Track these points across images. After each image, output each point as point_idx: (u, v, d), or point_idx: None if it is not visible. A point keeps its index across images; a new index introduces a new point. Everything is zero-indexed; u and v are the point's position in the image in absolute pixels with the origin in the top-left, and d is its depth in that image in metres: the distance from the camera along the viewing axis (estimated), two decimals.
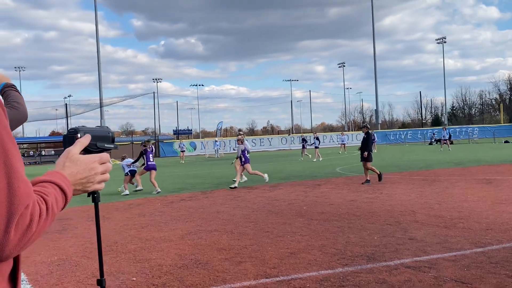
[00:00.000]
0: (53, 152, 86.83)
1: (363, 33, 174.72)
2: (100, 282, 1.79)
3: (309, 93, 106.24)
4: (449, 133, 47.33)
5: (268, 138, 69.25)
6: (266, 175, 17.74)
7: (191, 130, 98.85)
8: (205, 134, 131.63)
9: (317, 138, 35.28)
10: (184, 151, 45.69)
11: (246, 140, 18.70)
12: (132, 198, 15.12)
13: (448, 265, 5.89)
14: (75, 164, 1.44)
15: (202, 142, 65.97)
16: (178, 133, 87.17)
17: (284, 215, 10.28)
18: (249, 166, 17.42)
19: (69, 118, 78.75)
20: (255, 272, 6.00)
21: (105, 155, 1.45)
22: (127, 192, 16.44)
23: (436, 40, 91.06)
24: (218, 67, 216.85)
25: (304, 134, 65.54)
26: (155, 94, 78.73)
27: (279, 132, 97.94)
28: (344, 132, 56.22)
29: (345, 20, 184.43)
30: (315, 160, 32.87)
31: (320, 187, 15.70)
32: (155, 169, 16.83)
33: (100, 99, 68.16)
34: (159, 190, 16.35)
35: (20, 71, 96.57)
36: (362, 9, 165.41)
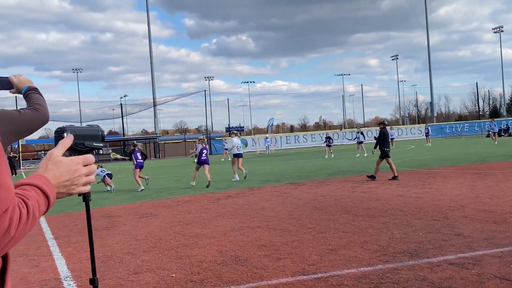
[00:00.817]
0: (110, 151, 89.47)
1: (417, 25, 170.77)
2: (93, 281, 1.79)
3: (361, 87, 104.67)
4: (506, 124, 45.55)
5: (319, 134, 68.75)
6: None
7: (243, 127, 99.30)
8: (257, 131, 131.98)
9: (361, 133, 34.63)
10: (227, 149, 45.53)
11: (238, 137, 20.73)
12: (180, 195, 15.33)
13: (493, 262, 5.65)
14: (58, 167, 1.40)
15: (253, 138, 66.23)
16: (230, 130, 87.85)
17: (329, 211, 10.16)
18: (207, 167, 18.21)
19: (124, 117, 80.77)
20: (293, 269, 5.95)
21: (89, 156, 1.43)
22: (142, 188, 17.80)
23: (493, 29, 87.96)
24: (269, 64, 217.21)
25: (329, 131, 64.54)
26: (206, 92, 79.54)
27: (331, 127, 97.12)
28: (393, 127, 55.00)
29: (399, 12, 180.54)
30: (358, 155, 32.39)
31: (369, 182, 15.45)
32: (142, 167, 18.38)
33: (154, 98, 69.55)
34: (143, 188, 17.73)
35: (77, 72, 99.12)
36: (415, 0, 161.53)
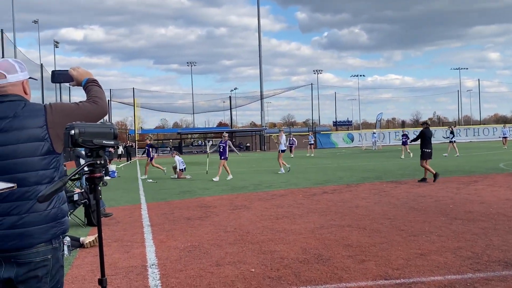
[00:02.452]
0: (210, 142, 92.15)
1: None
2: (101, 282, 1.77)
3: (478, 82, 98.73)
4: None
5: (432, 130, 65.98)
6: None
7: (351, 121, 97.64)
8: (366, 126, 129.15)
9: (451, 132, 32.61)
10: (312, 144, 44.70)
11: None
12: (277, 188, 15.37)
13: None
14: None
15: (360, 133, 64.96)
16: (336, 124, 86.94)
17: (426, 213, 9.66)
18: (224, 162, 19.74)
19: (233, 109, 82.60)
20: (376, 272, 5.70)
21: None
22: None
23: None
24: (382, 57, 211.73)
25: (406, 129, 60.91)
26: (314, 86, 79.14)
27: (444, 124, 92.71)
28: (506, 125, 51.10)
29: None
30: (445, 155, 30.53)
31: (476, 183, 14.52)
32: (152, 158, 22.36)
33: (261, 91, 70.49)
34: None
35: (191, 66, 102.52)
36: None
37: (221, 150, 19.91)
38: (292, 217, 9.84)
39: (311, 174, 20.86)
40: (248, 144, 73.44)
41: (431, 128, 18.23)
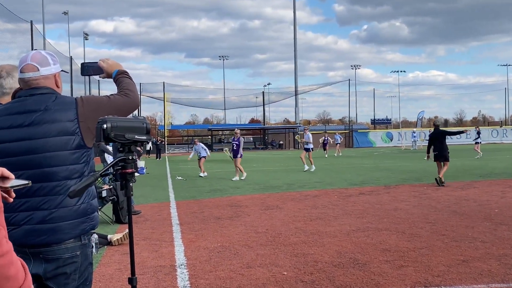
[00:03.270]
0: (251, 139, 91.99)
1: None
2: (131, 280, 1.80)
3: None
4: None
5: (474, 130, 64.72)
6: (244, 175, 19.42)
7: (390, 120, 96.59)
8: (406, 124, 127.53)
9: (478, 133, 31.83)
10: (339, 143, 43.30)
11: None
12: (311, 188, 15.33)
13: None
14: None
15: (399, 132, 64.20)
16: (375, 122, 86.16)
17: (469, 218, 9.49)
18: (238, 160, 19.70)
19: (266, 106, 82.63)
20: (415, 279, 5.63)
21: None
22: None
23: None
24: (424, 52, 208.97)
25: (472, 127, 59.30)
26: (350, 82, 78.58)
27: (489, 124, 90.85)
28: None
29: None
30: (477, 157, 29.82)
31: None
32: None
33: (295, 87, 70.35)
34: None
35: (224, 59, 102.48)
36: None
37: (235, 148, 19.96)
38: (326, 218, 9.80)
39: (347, 174, 20.73)
40: (281, 142, 73.54)
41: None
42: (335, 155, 40.19)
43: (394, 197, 12.84)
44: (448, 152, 15.60)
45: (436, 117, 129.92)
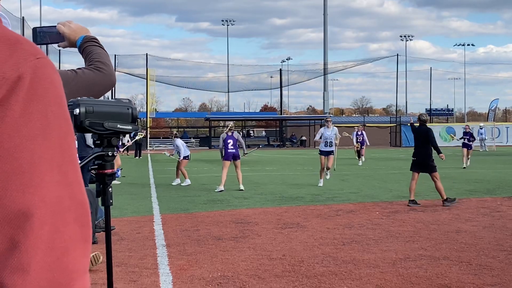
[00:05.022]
0: (263, 133, 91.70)
1: None
2: None
3: None
4: None
5: None
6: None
7: (453, 110, 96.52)
8: (474, 117, 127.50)
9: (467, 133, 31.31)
10: (362, 143, 38.96)
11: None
12: (344, 201, 15.35)
13: None
14: None
15: (464, 127, 64.01)
16: (431, 113, 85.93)
17: None
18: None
19: (284, 88, 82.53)
20: None
21: None
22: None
23: None
24: (501, 19, 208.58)
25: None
26: (399, 58, 78.37)
27: None
28: None
29: None
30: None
31: None
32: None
33: (324, 64, 70.38)
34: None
35: (228, 25, 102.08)
36: None
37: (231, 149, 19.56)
38: (364, 242, 9.83)
39: (393, 183, 20.73)
40: (303, 138, 73.64)
41: None
42: (359, 164, 34.75)
43: (456, 214, 12.84)
44: (433, 160, 15.06)
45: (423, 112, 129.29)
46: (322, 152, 20.31)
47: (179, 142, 21.98)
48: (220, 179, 18.72)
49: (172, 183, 20.93)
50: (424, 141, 14.96)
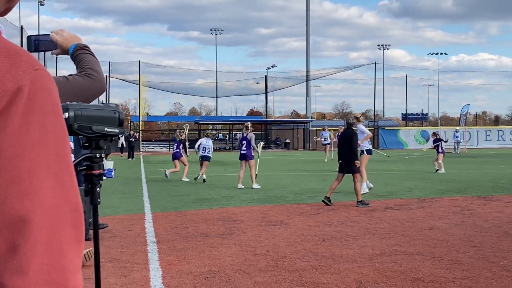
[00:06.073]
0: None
1: None
2: None
3: None
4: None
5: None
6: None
7: (427, 115, 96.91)
8: (446, 121, 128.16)
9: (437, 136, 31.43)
10: (328, 143, 38.22)
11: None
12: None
13: None
14: None
15: (437, 131, 64.31)
16: (407, 118, 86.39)
17: None
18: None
19: (269, 94, 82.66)
20: None
21: None
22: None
23: None
24: (472, 29, 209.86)
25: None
26: (377, 65, 78.66)
27: None
28: None
29: None
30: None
31: None
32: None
33: (307, 71, 70.46)
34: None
35: (216, 34, 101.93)
36: None
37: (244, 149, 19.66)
38: (343, 238, 9.84)
39: (371, 182, 20.78)
40: (287, 140, 73.70)
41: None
42: (325, 160, 36.54)
43: (429, 213, 12.89)
44: (356, 163, 14.67)
45: (484, 112, 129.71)
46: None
47: (210, 142, 22.67)
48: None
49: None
50: (348, 144, 14.79)
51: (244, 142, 19.33)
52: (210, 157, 22.07)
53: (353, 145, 14.73)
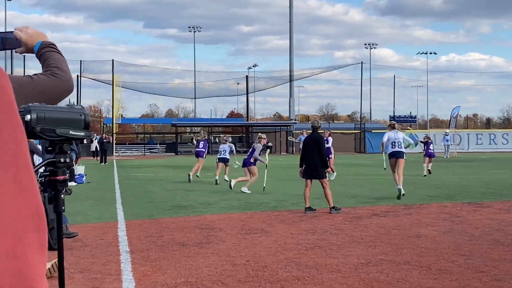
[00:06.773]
0: (230, 139, 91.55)
1: None
2: None
3: None
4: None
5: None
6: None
7: (415, 117, 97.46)
8: (435, 123, 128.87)
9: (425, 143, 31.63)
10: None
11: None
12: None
13: None
14: None
15: (426, 134, 64.66)
16: (394, 120, 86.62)
17: None
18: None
19: (250, 95, 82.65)
20: None
21: None
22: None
23: None
24: (463, 28, 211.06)
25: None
26: (363, 65, 78.99)
27: None
28: None
29: None
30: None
31: None
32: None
33: (290, 71, 70.57)
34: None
35: (194, 32, 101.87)
36: None
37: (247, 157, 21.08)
38: (327, 247, 9.86)
39: (356, 188, 20.87)
40: (270, 144, 73.26)
41: None
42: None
43: (417, 220, 12.94)
44: (323, 168, 14.80)
45: (475, 114, 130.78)
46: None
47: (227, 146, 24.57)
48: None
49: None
50: (314, 148, 14.73)
51: (250, 150, 20.97)
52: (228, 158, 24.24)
53: (322, 149, 14.68)
